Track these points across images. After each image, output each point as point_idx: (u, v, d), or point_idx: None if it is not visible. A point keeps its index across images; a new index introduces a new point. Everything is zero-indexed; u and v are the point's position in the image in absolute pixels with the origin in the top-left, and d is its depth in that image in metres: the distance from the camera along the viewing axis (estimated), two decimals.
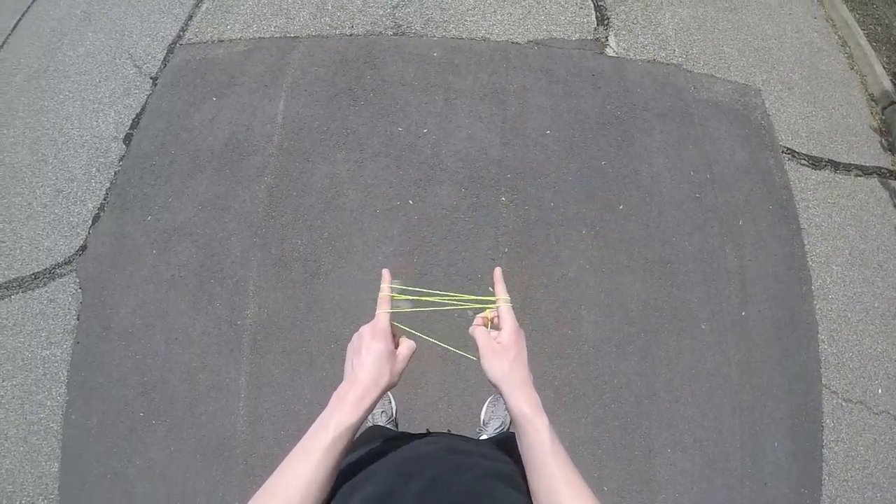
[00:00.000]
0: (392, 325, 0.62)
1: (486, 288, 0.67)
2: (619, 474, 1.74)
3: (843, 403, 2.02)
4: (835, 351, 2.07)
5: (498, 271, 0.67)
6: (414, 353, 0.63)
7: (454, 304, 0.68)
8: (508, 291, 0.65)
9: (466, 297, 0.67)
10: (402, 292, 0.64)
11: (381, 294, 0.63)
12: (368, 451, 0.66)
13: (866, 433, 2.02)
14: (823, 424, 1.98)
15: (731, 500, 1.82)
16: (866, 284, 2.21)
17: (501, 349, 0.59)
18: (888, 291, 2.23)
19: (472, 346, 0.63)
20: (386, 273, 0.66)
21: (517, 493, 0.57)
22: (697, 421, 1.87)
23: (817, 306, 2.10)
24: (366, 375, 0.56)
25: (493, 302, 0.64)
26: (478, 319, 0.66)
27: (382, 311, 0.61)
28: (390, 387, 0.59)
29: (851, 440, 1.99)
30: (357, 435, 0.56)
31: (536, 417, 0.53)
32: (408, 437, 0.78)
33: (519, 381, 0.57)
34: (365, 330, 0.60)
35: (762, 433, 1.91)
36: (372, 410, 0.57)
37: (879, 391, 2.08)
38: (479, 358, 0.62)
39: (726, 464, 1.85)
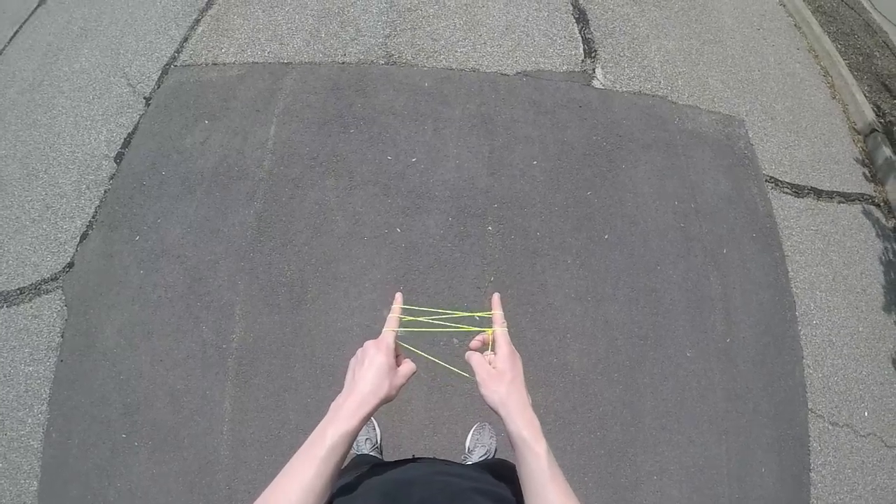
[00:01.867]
0: (397, 345, 0.65)
1: (473, 318, 0.70)
2: (606, 503, 1.74)
3: (830, 427, 2.04)
4: (820, 375, 2.10)
5: (496, 297, 0.68)
6: (414, 374, 0.65)
7: (454, 326, 0.71)
8: (482, 322, 0.67)
9: (468, 314, 0.71)
10: (410, 313, 0.67)
11: (391, 314, 0.66)
12: (356, 477, 0.66)
13: (854, 456, 2.03)
14: (810, 448, 1.99)
15: None
16: (851, 309, 2.24)
17: (497, 374, 0.60)
18: (872, 315, 2.27)
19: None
20: (399, 296, 0.69)
21: None
22: (684, 448, 1.88)
23: (802, 332, 2.13)
24: (365, 385, 0.58)
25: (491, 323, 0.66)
26: (474, 343, 0.67)
27: (389, 329, 0.64)
28: (387, 400, 0.60)
29: (839, 463, 2.01)
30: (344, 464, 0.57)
31: (536, 443, 0.53)
32: (395, 463, 0.78)
33: (517, 405, 0.57)
34: (370, 344, 0.62)
35: (749, 459, 1.92)
36: (368, 420, 0.58)
37: (866, 414, 2.10)
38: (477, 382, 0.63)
39: (714, 490, 1.86)
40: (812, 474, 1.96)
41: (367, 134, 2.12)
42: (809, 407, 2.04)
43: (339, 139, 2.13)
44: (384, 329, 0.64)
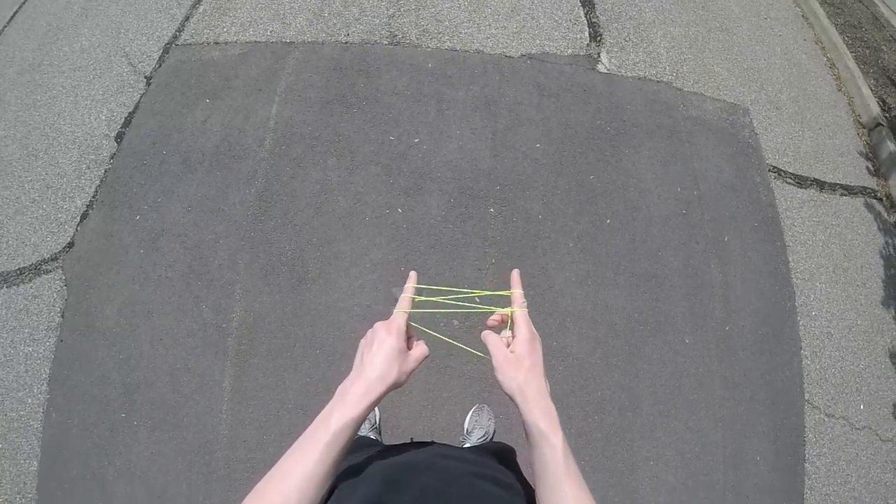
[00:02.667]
0: (409, 326, 0.62)
1: (472, 299, 0.68)
2: (602, 486, 1.75)
3: (826, 419, 2.05)
4: (817, 367, 2.10)
5: (515, 273, 0.63)
6: (426, 358, 0.62)
7: (468, 306, 0.67)
8: (496, 299, 0.64)
9: (486, 293, 0.66)
10: (424, 293, 0.64)
11: (403, 294, 0.63)
12: (357, 460, 0.65)
13: (848, 448, 2.04)
14: (806, 439, 2.00)
15: None
16: (850, 302, 2.24)
17: (515, 359, 0.56)
18: (871, 309, 2.27)
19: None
20: (413, 275, 0.66)
21: (511, 496, 0.58)
22: (680, 434, 1.88)
23: (801, 322, 2.13)
24: (373, 370, 0.55)
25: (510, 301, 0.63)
26: (491, 321, 0.63)
27: (400, 311, 0.61)
28: (397, 385, 0.57)
29: (833, 455, 2.01)
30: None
31: (553, 435, 0.51)
32: (395, 447, 0.77)
33: (534, 394, 0.54)
34: (380, 326, 0.59)
35: (745, 447, 1.92)
36: (375, 406, 0.56)
37: (861, 407, 2.11)
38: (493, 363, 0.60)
39: (709, 477, 1.86)
40: (807, 465, 1.97)
41: (370, 114, 2.11)
42: (806, 398, 2.05)
43: (342, 119, 2.11)
44: (395, 310, 0.61)
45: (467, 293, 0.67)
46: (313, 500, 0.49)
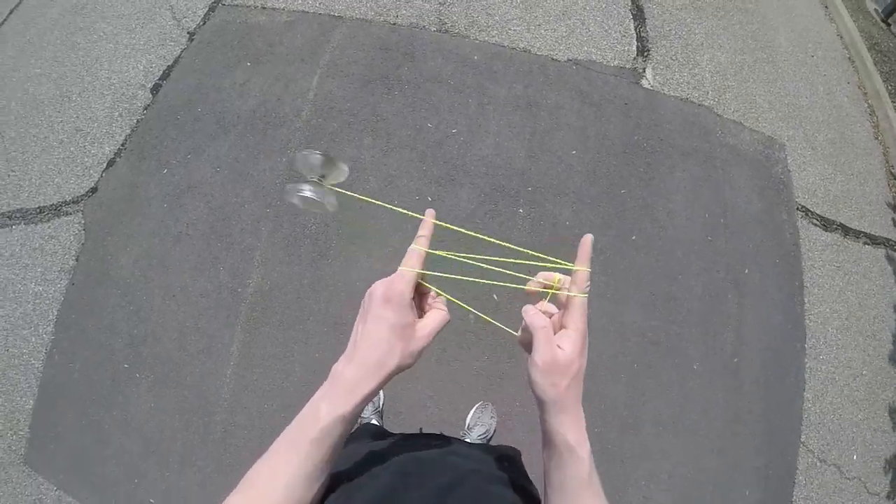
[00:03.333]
0: (420, 286, 0.47)
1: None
2: None
3: (818, 463, 2.05)
4: (817, 411, 2.10)
5: (587, 241, 0.47)
6: (444, 326, 0.48)
7: (502, 274, 0.48)
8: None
9: (540, 258, 0.47)
10: (445, 244, 0.47)
11: (414, 245, 0.47)
12: (363, 450, 0.59)
13: (836, 496, 2.04)
14: (796, 480, 2.00)
15: None
16: (858, 351, 2.24)
17: (564, 362, 0.44)
18: (877, 362, 2.26)
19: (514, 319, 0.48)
20: (429, 218, 0.49)
21: (517, 498, 0.55)
22: (676, 458, 1.88)
23: (808, 364, 2.13)
24: (367, 353, 0.44)
25: (564, 277, 0.47)
26: (534, 283, 0.48)
27: (407, 268, 0.45)
28: (401, 369, 0.45)
29: (820, 500, 2.02)
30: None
31: (580, 448, 0.44)
32: (403, 437, 0.74)
33: (572, 405, 0.45)
34: (377, 289, 0.45)
35: (736, 479, 1.93)
36: (373, 398, 0.46)
37: (854, 457, 2.11)
38: (519, 339, 0.49)
39: (698, 503, 1.87)
40: None
41: (411, 98, 2.10)
42: (802, 440, 2.05)
43: (382, 99, 2.10)
44: (401, 266, 0.46)
45: (510, 250, 0.48)
46: (302, 499, 0.43)
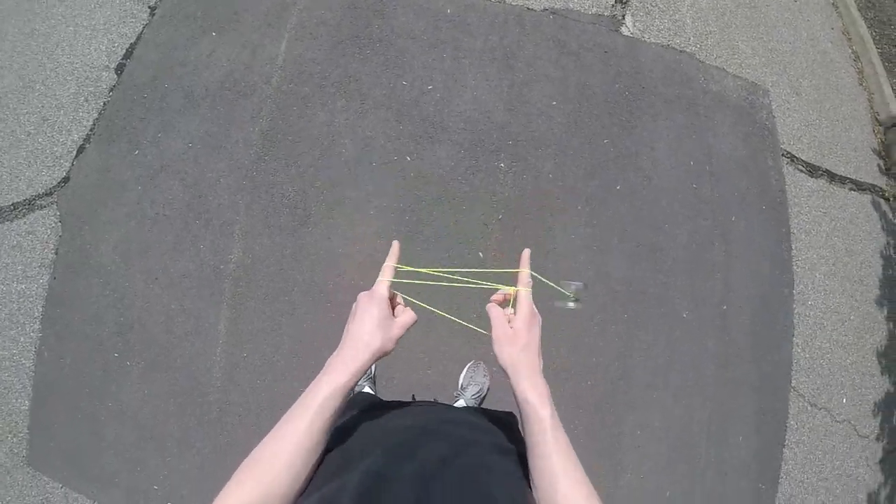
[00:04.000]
0: (396, 295, 0.65)
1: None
2: (587, 452, 1.75)
3: (809, 407, 2.07)
4: (807, 356, 2.11)
5: (526, 254, 0.65)
6: (414, 323, 0.63)
7: (464, 282, 0.69)
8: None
9: (486, 271, 0.69)
10: (417, 276, 0.65)
11: (386, 262, 0.64)
12: (359, 419, 0.66)
13: (826, 439, 2.07)
14: (787, 425, 2.02)
15: (692, 487, 1.86)
16: (845, 296, 2.24)
17: (513, 335, 0.58)
18: (865, 306, 2.28)
19: (485, 319, 0.63)
20: (395, 246, 0.67)
21: (515, 465, 0.58)
22: (668, 408, 1.89)
23: (796, 310, 2.13)
24: (358, 338, 0.57)
25: (513, 281, 0.64)
26: (497, 296, 0.65)
27: (383, 279, 0.62)
28: (384, 352, 0.58)
29: (812, 444, 2.04)
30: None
31: (541, 408, 0.53)
32: (398, 404, 0.78)
33: (527, 370, 0.56)
34: (362, 296, 0.61)
35: (728, 426, 1.94)
36: (364, 373, 0.57)
37: (844, 401, 2.13)
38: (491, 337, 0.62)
39: (691, 452, 1.89)
40: (785, 450, 2.00)
41: (383, 57, 2.02)
42: (793, 385, 2.07)
43: (354, 60, 2.02)
44: (378, 279, 0.63)
45: (468, 272, 0.69)
46: (303, 467, 0.50)
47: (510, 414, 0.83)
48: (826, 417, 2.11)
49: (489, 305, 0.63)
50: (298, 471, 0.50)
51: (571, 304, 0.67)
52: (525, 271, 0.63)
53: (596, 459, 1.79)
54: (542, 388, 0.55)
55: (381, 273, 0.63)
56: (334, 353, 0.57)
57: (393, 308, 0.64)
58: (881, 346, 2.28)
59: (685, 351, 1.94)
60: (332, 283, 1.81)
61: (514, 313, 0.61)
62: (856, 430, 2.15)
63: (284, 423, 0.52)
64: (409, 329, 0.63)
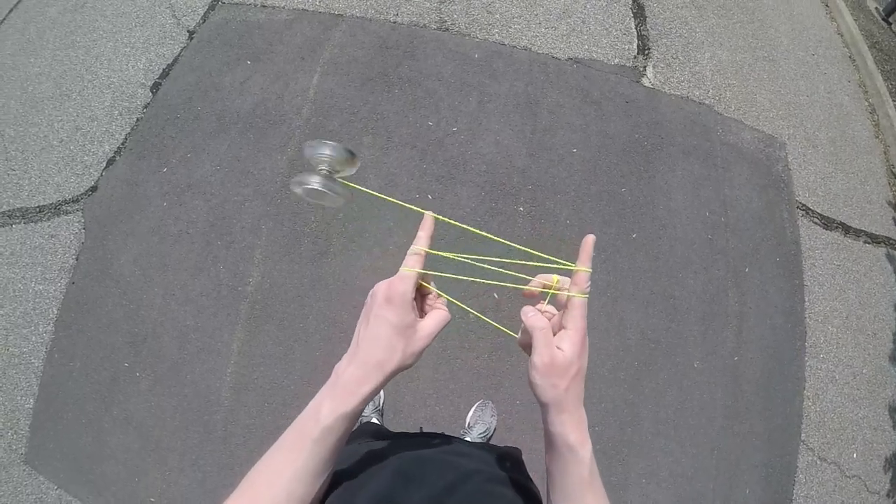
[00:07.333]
0: (422, 286, 0.48)
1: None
2: None
3: (818, 462, 2.05)
4: (818, 409, 2.10)
5: (589, 241, 0.47)
6: (445, 326, 0.48)
7: (503, 273, 0.49)
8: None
9: (535, 258, 0.48)
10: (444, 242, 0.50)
11: (414, 245, 0.48)
12: (363, 449, 0.59)
13: (836, 494, 2.04)
14: (796, 479, 2.00)
15: None
16: (858, 350, 2.23)
17: (563, 363, 0.44)
18: (877, 360, 2.26)
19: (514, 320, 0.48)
20: (429, 220, 0.49)
21: (522, 500, 0.55)
22: (676, 456, 1.88)
23: (808, 363, 2.13)
24: (369, 353, 0.44)
25: (563, 278, 0.48)
26: (534, 283, 0.49)
27: (408, 270, 0.46)
28: (402, 369, 0.46)
29: (820, 499, 2.01)
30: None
31: (581, 448, 0.44)
32: (403, 436, 0.75)
33: (573, 406, 0.45)
34: (379, 290, 0.46)
35: (736, 478, 1.93)
36: (374, 397, 0.49)
37: (854, 455, 2.10)
38: (518, 341, 0.50)
39: (698, 502, 1.87)
40: None
41: (411, 96, 2.09)
42: (802, 438, 2.05)
43: (382, 98, 2.09)
44: (402, 268, 0.46)
45: (511, 249, 0.49)
46: (304, 497, 0.43)
47: (516, 449, 0.81)
48: (836, 472, 2.08)
49: (527, 312, 0.47)
50: (302, 493, 0.43)
51: (317, 185, 0.45)
52: (584, 270, 0.46)
53: None
54: (584, 424, 0.45)
55: (405, 260, 0.47)
56: (342, 362, 0.45)
57: (421, 301, 0.50)
58: (894, 400, 2.26)
59: (695, 401, 1.94)
60: (347, 315, 1.84)
61: (560, 319, 0.47)
62: (866, 486, 2.11)
63: (279, 451, 0.44)
64: (438, 334, 0.48)
